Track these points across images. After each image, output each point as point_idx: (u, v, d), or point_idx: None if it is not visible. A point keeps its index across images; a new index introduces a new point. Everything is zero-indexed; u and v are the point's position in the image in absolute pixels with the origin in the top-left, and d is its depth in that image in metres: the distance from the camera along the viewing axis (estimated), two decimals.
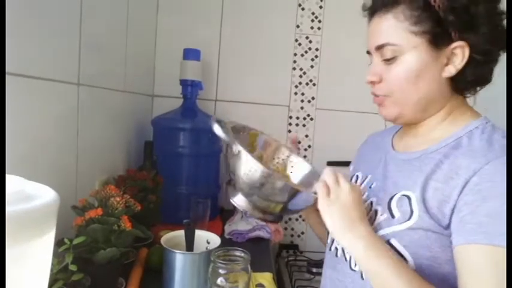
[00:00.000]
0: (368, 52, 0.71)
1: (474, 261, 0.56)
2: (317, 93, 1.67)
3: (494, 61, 0.66)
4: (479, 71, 0.65)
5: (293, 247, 1.67)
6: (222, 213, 1.51)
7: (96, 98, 1.06)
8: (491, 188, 0.57)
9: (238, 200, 0.72)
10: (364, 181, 0.77)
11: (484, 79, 0.67)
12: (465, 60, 0.63)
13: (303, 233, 1.73)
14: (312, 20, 1.65)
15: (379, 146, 0.80)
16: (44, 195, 0.43)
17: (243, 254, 0.80)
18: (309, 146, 1.70)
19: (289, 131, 1.69)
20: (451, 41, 0.62)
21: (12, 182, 0.42)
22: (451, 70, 0.64)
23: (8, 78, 0.68)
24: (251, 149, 0.86)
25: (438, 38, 0.62)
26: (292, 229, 1.73)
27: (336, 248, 0.76)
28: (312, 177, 0.82)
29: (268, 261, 1.11)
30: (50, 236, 0.43)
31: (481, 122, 0.66)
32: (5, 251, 0.36)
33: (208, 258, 0.80)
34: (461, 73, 0.64)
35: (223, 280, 0.76)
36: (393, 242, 0.64)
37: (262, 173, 0.64)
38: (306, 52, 1.66)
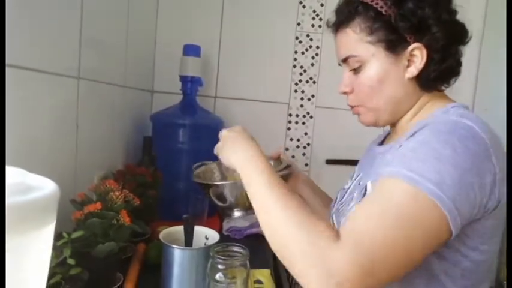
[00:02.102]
0: (339, 64, 0.76)
1: (375, 188, 0.59)
2: (317, 91, 1.67)
3: (454, 54, 0.69)
4: (441, 67, 0.67)
5: None
6: (219, 209, 1.50)
7: (96, 92, 1.05)
8: (413, 140, 0.59)
9: (237, 214, 0.92)
10: (356, 178, 0.80)
11: (449, 73, 0.70)
12: (424, 60, 0.66)
13: None
14: (313, 18, 1.65)
15: (374, 144, 0.85)
16: (45, 187, 0.43)
17: (241, 250, 0.80)
18: (308, 144, 1.70)
19: (289, 129, 1.69)
20: (408, 44, 0.66)
21: (13, 173, 0.42)
22: (413, 71, 0.68)
23: (8, 70, 0.68)
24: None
25: (394, 44, 0.67)
26: None
27: None
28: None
29: (266, 257, 1.10)
30: (50, 228, 0.43)
31: (445, 107, 0.68)
32: (5, 244, 0.36)
33: (207, 254, 0.80)
34: (424, 72, 0.67)
35: (222, 276, 0.76)
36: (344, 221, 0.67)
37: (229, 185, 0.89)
38: (307, 50, 1.66)
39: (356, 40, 0.69)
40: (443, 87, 0.72)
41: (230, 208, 0.91)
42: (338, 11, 0.73)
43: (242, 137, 0.75)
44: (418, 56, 0.66)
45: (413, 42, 0.66)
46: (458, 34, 0.68)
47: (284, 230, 0.57)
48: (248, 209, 0.89)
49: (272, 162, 1.02)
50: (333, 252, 0.51)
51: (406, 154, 0.57)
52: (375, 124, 0.75)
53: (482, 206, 0.56)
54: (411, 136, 0.62)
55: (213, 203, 0.95)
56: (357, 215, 0.56)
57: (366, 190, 0.68)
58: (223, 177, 1.06)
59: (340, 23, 0.72)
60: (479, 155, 0.56)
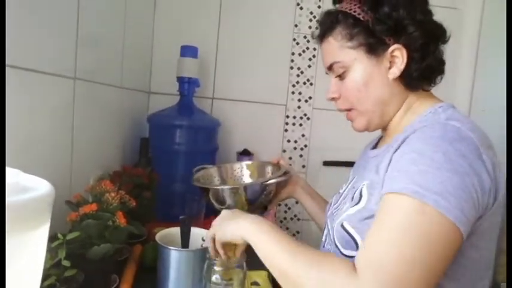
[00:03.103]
0: (327, 73, 0.78)
1: (381, 208, 0.59)
2: (314, 92, 1.67)
3: (434, 53, 0.71)
4: (422, 65, 0.69)
5: None
6: (217, 212, 1.50)
7: (92, 93, 1.05)
8: (407, 149, 0.60)
9: None
10: (351, 182, 0.81)
11: (431, 71, 0.72)
12: (405, 59, 0.68)
13: (298, 232, 1.73)
14: (310, 20, 1.65)
15: (368, 148, 0.85)
16: (40, 187, 0.42)
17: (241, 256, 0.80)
18: (305, 146, 1.70)
19: (286, 130, 1.68)
20: (388, 46, 0.69)
21: (8, 173, 0.42)
22: (395, 72, 0.70)
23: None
24: (252, 175, 1.10)
25: (374, 47, 0.70)
26: (287, 228, 1.73)
27: (322, 242, 0.80)
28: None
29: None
30: (44, 228, 0.43)
31: (433, 108, 0.69)
32: (5, 246, 0.36)
33: (203, 256, 0.80)
34: (406, 72, 0.69)
35: (219, 277, 0.75)
36: (345, 224, 0.68)
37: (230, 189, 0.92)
38: (304, 51, 1.66)
39: (338, 47, 0.72)
40: (429, 87, 0.74)
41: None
42: (321, 23, 0.76)
43: (236, 213, 0.77)
44: (398, 56, 0.69)
45: (393, 44, 0.68)
46: (435, 33, 0.70)
47: (304, 277, 0.56)
48: (248, 212, 0.90)
49: (271, 168, 1.03)
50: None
51: (408, 169, 0.57)
52: (367, 128, 0.77)
53: (484, 204, 0.57)
54: (403, 142, 0.62)
55: (212, 207, 0.96)
56: (369, 242, 0.56)
57: (361, 194, 0.69)
58: (223, 181, 1.08)
59: (323, 33, 0.75)
60: (472, 155, 0.57)
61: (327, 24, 0.74)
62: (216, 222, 0.77)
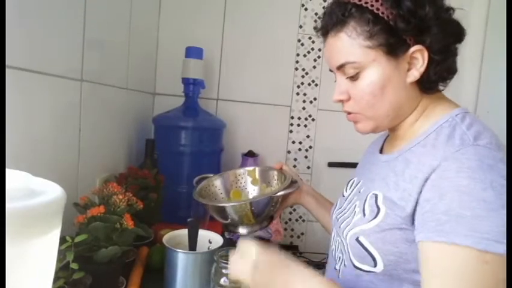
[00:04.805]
0: (331, 70, 0.72)
1: (432, 259, 0.56)
2: (319, 93, 1.67)
3: (453, 55, 0.67)
4: (442, 68, 0.65)
5: (293, 248, 1.66)
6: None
7: (98, 95, 1.05)
8: (448, 184, 0.56)
9: (242, 231, 0.89)
10: (356, 186, 0.78)
11: (449, 73, 0.68)
12: (426, 62, 0.64)
13: (302, 233, 1.73)
14: (315, 21, 1.62)
15: (373, 150, 0.82)
16: (51, 191, 0.42)
17: None
18: (310, 147, 1.69)
19: (291, 131, 1.68)
20: (409, 46, 0.63)
21: (17, 177, 0.41)
22: (415, 74, 0.65)
23: (11, 72, 0.67)
24: (254, 181, 1.04)
25: (394, 47, 0.63)
26: (292, 230, 1.72)
27: (333, 250, 0.78)
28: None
29: None
30: (55, 233, 0.43)
31: (450, 115, 0.66)
32: (5, 250, 0.35)
33: (210, 258, 0.80)
34: (425, 74, 0.65)
35: (227, 280, 0.75)
36: (361, 239, 0.65)
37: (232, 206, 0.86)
38: (309, 52, 1.65)
39: (352, 45, 0.64)
40: (441, 87, 0.71)
41: (234, 225, 0.89)
42: (328, 14, 0.67)
43: (275, 273, 0.65)
44: (419, 58, 0.64)
45: (414, 44, 0.63)
46: (456, 33, 0.66)
47: None
48: (254, 225, 0.88)
49: (276, 175, 1.00)
50: None
51: (460, 213, 0.54)
52: (374, 131, 0.72)
53: None
54: (433, 170, 0.59)
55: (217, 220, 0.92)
56: None
57: (378, 207, 0.65)
58: (226, 192, 1.03)
59: (332, 26, 0.67)
60: (505, 171, 0.56)
61: (337, 17, 0.65)
62: (255, 279, 0.65)
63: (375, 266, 0.64)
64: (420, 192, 0.59)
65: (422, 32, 0.63)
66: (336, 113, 1.66)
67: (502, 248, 0.51)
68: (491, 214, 0.52)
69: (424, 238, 0.57)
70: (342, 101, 0.71)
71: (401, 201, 0.62)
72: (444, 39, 0.63)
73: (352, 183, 0.82)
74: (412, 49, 0.63)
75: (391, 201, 0.63)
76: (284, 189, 0.85)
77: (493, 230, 0.52)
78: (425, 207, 0.58)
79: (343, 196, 0.82)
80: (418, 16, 0.62)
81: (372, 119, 0.70)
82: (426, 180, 0.59)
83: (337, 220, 0.77)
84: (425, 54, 0.63)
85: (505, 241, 0.51)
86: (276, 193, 0.85)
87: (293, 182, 0.90)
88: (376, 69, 0.65)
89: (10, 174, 0.41)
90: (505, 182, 0.54)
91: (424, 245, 0.57)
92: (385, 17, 0.62)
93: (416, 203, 0.60)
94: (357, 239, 0.66)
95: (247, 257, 0.66)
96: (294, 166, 1.68)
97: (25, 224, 0.37)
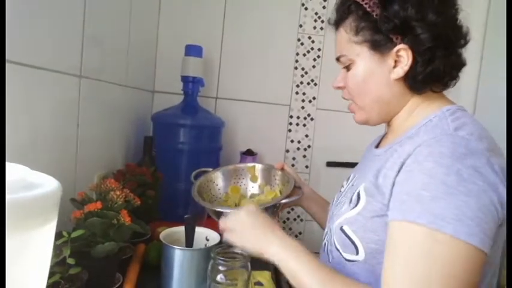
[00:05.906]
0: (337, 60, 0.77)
1: (393, 237, 0.58)
2: (318, 93, 1.67)
3: (443, 57, 0.65)
4: (428, 69, 0.65)
5: None
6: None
7: (97, 91, 1.05)
8: (416, 167, 0.58)
9: None
10: (351, 180, 0.80)
11: (439, 75, 0.67)
12: (410, 61, 0.65)
13: (300, 233, 1.73)
14: (315, 20, 1.64)
15: (371, 146, 0.84)
16: (47, 184, 0.42)
17: (242, 252, 0.80)
18: (309, 146, 1.69)
19: (290, 131, 1.68)
20: (394, 44, 0.66)
21: (16, 170, 0.42)
22: (399, 72, 0.67)
23: (10, 66, 0.67)
24: (253, 178, 1.04)
25: (378, 44, 0.67)
26: (290, 229, 1.72)
27: (324, 244, 0.79)
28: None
29: (266, 259, 1.10)
30: (51, 226, 0.43)
31: (441, 111, 0.66)
32: (5, 244, 0.35)
33: (207, 255, 0.79)
34: (410, 73, 0.66)
35: (223, 277, 0.75)
36: (345, 228, 0.67)
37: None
38: (308, 52, 1.65)
39: (346, 40, 0.71)
40: (439, 89, 0.70)
41: None
42: (336, 10, 0.74)
43: (259, 219, 0.74)
44: (404, 57, 0.65)
45: (400, 43, 0.65)
46: (449, 37, 0.65)
47: None
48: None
49: (278, 176, 0.99)
50: None
51: (420, 194, 0.55)
52: (367, 123, 0.76)
53: (504, 214, 0.56)
54: (409, 156, 0.60)
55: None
56: (388, 278, 0.56)
57: (359, 196, 0.68)
58: (225, 187, 1.03)
59: (337, 21, 0.73)
60: (485, 169, 0.55)
61: (340, 13, 0.72)
62: (235, 226, 0.75)
63: (357, 253, 0.65)
64: (396, 176, 0.61)
65: (406, 33, 0.65)
66: (335, 113, 1.66)
67: (450, 229, 0.52)
68: (449, 197, 0.53)
69: (390, 217, 0.59)
70: (340, 88, 0.77)
71: (383, 187, 0.63)
72: (429, 41, 0.64)
73: (349, 178, 0.83)
74: (397, 47, 0.65)
75: (374, 188, 0.65)
76: (287, 196, 0.86)
77: (446, 212, 0.53)
78: (397, 189, 0.60)
79: (340, 191, 0.83)
80: (400, 17, 0.64)
81: (362, 109, 0.74)
82: (402, 164, 0.61)
83: (333, 214, 0.77)
84: (410, 53, 0.65)
85: (469, 225, 0.52)
86: (280, 201, 0.85)
87: (296, 187, 0.90)
88: (360, 64, 0.70)
89: (8, 167, 0.41)
90: (476, 174, 0.54)
91: (390, 224, 0.59)
92: (373, 15, 0.66)
93: (392, 186, 0.62)
94: (341, 228, 0.68)
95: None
96: (293, 165, 1.68)
97: (21, 215, 0.37)
